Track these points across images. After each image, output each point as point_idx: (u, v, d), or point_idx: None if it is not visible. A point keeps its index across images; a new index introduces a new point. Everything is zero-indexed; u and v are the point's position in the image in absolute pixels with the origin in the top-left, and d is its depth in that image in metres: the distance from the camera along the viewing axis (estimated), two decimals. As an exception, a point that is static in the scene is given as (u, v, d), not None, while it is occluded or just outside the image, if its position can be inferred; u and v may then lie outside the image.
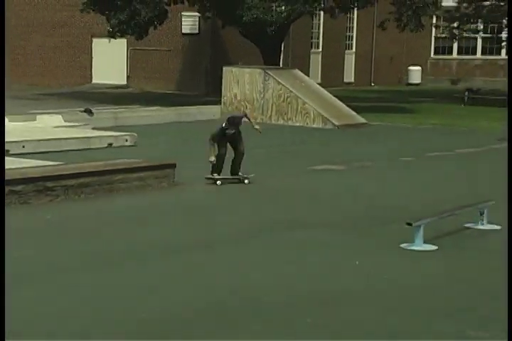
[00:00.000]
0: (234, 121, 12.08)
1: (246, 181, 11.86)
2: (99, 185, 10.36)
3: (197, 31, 30.45)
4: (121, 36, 25.18)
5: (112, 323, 5.75)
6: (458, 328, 5.85)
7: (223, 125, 11.95)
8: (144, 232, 8.61)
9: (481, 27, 31.92)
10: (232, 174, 11.97)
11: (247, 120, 12.46)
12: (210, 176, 11.80)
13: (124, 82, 31.85)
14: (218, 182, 11.71)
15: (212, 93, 26.33)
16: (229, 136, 11.95)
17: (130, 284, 6.73)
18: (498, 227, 9.04)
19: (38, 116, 17.30)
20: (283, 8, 22.50)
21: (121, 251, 7.80)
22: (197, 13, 27.02)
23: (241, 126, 12.06)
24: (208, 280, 6.93)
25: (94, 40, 31.76)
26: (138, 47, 30.30)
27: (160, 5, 23.76)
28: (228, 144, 12.00)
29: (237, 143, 12.05)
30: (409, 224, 8.03)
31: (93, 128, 16.93)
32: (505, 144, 17.52)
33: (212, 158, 11.80)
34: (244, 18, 22.63)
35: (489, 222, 9.08)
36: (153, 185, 11.05)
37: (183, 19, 30.15)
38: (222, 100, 21.81)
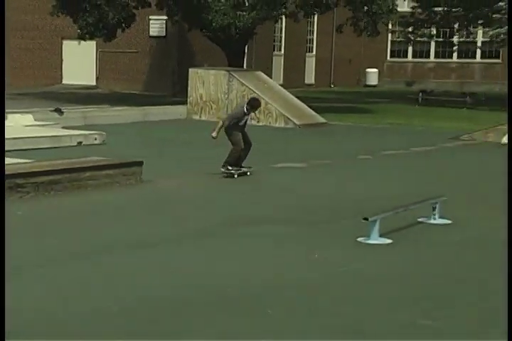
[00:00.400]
0: (255, 104, 12.19)
1: (248, 173, 12.06)
2: (68, 182, 10.29)
3: (164, 34, 30.37)
4: (91, 38, 25.01)
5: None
6: (409, 317, 5.89)
7: (245, 110, 12.03)
8: (110, 227, 8.56)
9: (434, 32, 32.18)
10: (235, 166, 11.98)
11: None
12: (226, 170, 11.85)
13: (94, 83, 31.66)
14: (235, 175, 11.88)
15: (179, 93, 26.26)
16: (241, 126, 12.04)
17: (96, 278, 6.69)
18: (449, 222, 9.13)
19: (10, 115, 17.11)
20: (250, 14, 22.47)
21: (89, 245, 7.75)
22: (164, 17, 26.92)
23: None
24: (173, 273, 6.91)
25: (65, 42, 31.53)
26: (107, 50, 30.11)
27: (128, 8, 23.67)
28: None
29: (246, 135, 12.17)
30: (366, 219, 8.07)
31: (63, 127, 16.80)
32: (456, 143, 17.73)
33: (215, 134, 11.96)
34: (214, 24, 22.62)
35: (441, 217, 9.15)
36: (121, 182, 10.99)
37: (150, 22, 30.05)
38: (188, 100, 21.77)
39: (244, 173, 12.07)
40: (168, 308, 5.95)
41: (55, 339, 5.22)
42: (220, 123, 12.14)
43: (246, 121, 12.21)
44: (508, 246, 7.53)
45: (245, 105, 12.16)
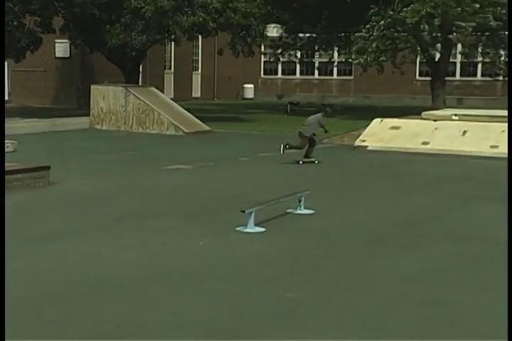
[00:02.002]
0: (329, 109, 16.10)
1: (300, 162, 14.20)
2: (-18, 185, 9.84)
3: (68, 55, 29.76)
4: (2, 59, 24.26)
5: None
6: (278, 292, 5.94)
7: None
8: (19, 224, 8.26)
9: (299, 54, 32.71)
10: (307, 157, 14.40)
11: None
12: (308, 159, 14.29)
13: (6, 98, 30.53)
14: (316, 161, 14.30)
15: (83, 107, 25.68)
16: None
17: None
18: (312, 212, 9.25)
19: None
20: (140, 37, 22.27)
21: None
22: (67, 40, 26.35)
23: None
24: (76, 261, 6.74)
25: (-21, 62, 30.25)
26: (17, 69, 29.13)
27: (35, 33, 23.17)
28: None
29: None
30: (243, 211, 8.09)
31: (-22, 137, 16.07)
32: (319, 146, 17.97)
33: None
34: (109, 44, 22.33)
35: (305, 208, 9.28)
36: (31, 185, 10.64)
37: (56, 45, 29.34)
38: (91, 112, 21.34)
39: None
40: (59, 297, 5.79)
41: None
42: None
43: None
44: (507, 245, 7.24)
45: (320, 114, 14.91)
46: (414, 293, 6.03)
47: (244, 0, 22.51)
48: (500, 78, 28.67)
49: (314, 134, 14.75)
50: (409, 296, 5.93)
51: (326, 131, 15.01)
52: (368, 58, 24.33)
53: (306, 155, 14.48)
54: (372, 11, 24.56)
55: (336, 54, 33.66)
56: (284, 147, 14.56)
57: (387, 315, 5.44)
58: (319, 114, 15.03)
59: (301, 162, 14.31)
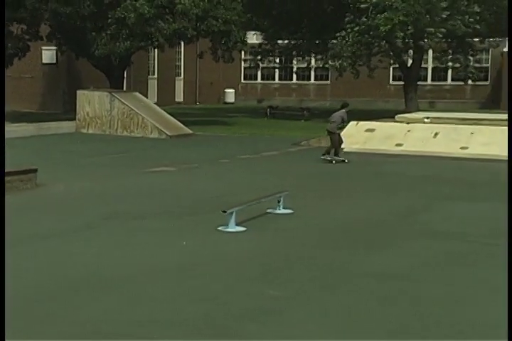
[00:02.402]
0: (346, 104, 15.16)
1: (333, 162, 14.40)
2: (-28, 188, 9.76)
3: (55, 61, 29.57)
4: (-9, 65, 24.01)
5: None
6: (260, 289, 5.95)
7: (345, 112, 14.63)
8: (8, 225, 8.20)
9: (278, 60, 32.72)
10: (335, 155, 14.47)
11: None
12: (339, 158, 14.40)
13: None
14: (346, 160, 14.47)
15: (69, 111, 25.52)
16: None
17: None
18: (290, 211, 9.26)
19: None
20: (124, 44, 22.19)
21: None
22: (54, 47, 26.20)
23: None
24: (65, 260, 6.71)
25: (-32, 68, 29.96)
26: (6, 75, 28.87)
27: (23, 40, 23.05)
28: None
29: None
30: (224, 212, 8.09)
31: (-33, 142, 15.92)
32: (297, 148, 18.04)
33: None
34: (96, 53, 22.25)
35: (284, 208, 9.28)
36: (19, 187, 10.57)
37: (43, 52, 29.16)
38: (77, 117, 21.24)
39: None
40: (52, 292, 5.76)
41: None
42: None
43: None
44: (507, 245, 7.10)
45: (344, 110, 14.63)
46: (400, 290, 6.02)
47: (224, 8, 22.49)
48: (470, 82, 28.94)
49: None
50: (395, 294, 5.91)
51: (340, 128, 15.06)
52: (344, 63, 24.47)
53: (336, 154, 14.60)
54: (347, 19, 24.69)
55: (313, 60, 33.75)
56: (324, 156, 14.63)
57: (373, 313, 5.42)
58: (343, 110, 14.89)
59: (334, 162, 14.49)
